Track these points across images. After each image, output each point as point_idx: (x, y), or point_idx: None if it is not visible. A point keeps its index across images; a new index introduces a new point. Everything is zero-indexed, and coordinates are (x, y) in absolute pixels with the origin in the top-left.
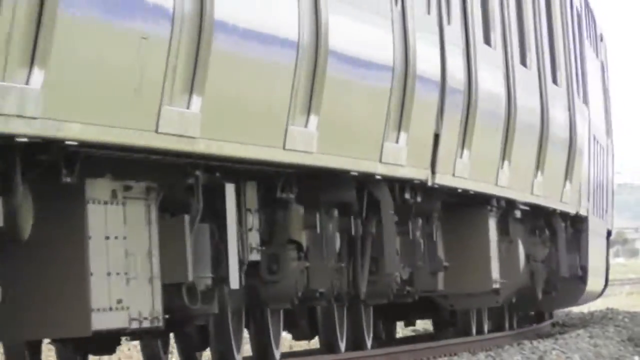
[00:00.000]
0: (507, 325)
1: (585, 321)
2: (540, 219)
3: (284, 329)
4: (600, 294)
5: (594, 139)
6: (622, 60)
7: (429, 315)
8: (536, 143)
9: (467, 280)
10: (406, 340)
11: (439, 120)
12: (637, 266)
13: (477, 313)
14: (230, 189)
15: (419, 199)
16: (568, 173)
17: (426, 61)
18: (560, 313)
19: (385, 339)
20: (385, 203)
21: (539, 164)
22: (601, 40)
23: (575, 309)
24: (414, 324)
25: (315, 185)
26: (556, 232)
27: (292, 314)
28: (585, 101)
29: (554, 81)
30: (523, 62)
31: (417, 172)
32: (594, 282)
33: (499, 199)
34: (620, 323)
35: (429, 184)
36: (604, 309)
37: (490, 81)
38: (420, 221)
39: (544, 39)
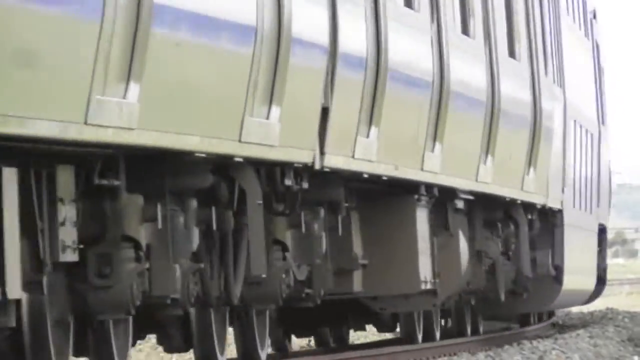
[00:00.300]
0: (469, 330)
1: (585, 321)
2: (497, 211)
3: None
4: (594, 295)
5: (576, 123)
6: (621, 60)
7: (368, 319)
8: (482, 121)
9: (392, 281)
10: (349, 347)
11: (328, 90)
12: (636, 266)
13: (427, 317)
14: (11, 175)
15: (305, 185)
16: (532, 158)
17: (308, 23)
18: (560, 313)
19: (336, 344)
20: (251, 191)
21: (488, 147)
22: (594, 17)
23: (575, 309)
24: (363, 329)
25: (158, 170)
26: (518, 226)
27: (163, 323)
28: (560, 82)
29: (512, 55)
30: (465, 31)
31: (297, 153)
32: (575, 282)
33: (430, 186)
34: (620, 323)
35: (317, 167)
36: (603, 309)
37: (407, 45)
38: (322, 212)
39: (496, 7)
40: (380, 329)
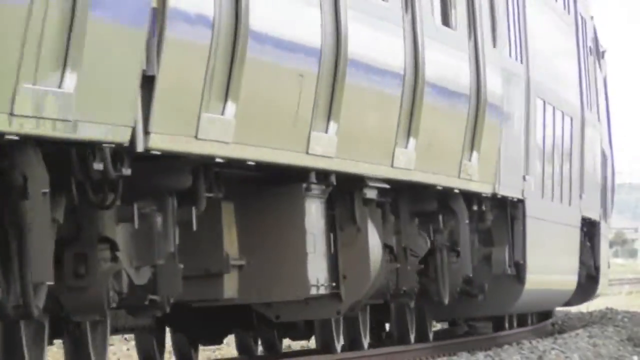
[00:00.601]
0: (412, 337)
1: (584, 321)
2: (430, 202)
3: None
4: (587, 296)
5: (546, 104)
6: (620, 59)
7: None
8: (398, 96)
9: (276, 285)
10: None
11: (153, 56)
12: (636, 266)
13: (350, 323)
14: None
15: (126, 171)
16: (474, 141)
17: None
18: (559, 313)
19: (243, 354)
20: (34, 177)
21: (410, 127)
22: None
23: (574, 309)
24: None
25: None
26: (457, 219)
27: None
28: (521, 57)
29: (445, 23)
30: None
31: (106, 131)
32: (545, 282)
33: (324, 173)
34: (619, 323)
35: (139, 149)
36: (603, 309)
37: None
38: (170, 203)
39: None
40: (294, 337)
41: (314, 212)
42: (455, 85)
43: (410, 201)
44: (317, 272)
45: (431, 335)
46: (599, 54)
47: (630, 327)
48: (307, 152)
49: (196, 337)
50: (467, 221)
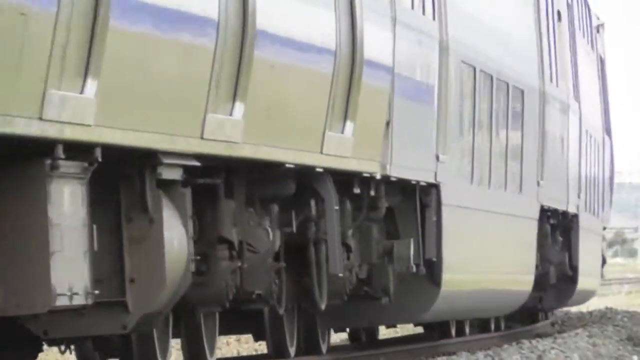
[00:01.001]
0: (291, 350)
1: (584, 320)
2: (285, 183)
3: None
4: (527, 300)
5: (478, 72)
6: (619, 60)
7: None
8: (210, 49)
9: (16, 293)
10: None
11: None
12: (635, 266)
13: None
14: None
15: None
16: (349, 110)
17: None
18: (559, 312)
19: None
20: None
21: (237, 86)
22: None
23: (574, 309)
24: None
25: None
26: (324, 204)
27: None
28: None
29: None
30: None
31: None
32: (464, 283)
33: (83, 146)
34: (619, 322)
35: None
36: (602, 309)
37: None
38: None
39: None
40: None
41: (66, 198)
42: (309, 37)
43: (251, 183)
44: (68, 275)
45: (324, 348)
46: (592, 29)
47: (629, 327)
48: (40, 118)
49: None
50: (336, 207)
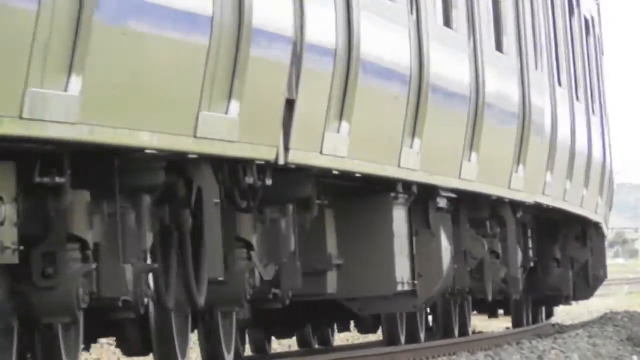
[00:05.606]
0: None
1: (584, 320)
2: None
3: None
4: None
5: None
6: (620, 60)
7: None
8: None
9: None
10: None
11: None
12: (636, 266)
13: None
14: None
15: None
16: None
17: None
18: (559, 313)
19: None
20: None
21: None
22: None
23: (574, 309)
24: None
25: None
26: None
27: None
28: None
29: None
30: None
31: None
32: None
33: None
34: (619, 322)
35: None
36: (603, 308)
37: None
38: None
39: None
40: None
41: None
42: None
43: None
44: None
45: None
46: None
47: (630, 327)
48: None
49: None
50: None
